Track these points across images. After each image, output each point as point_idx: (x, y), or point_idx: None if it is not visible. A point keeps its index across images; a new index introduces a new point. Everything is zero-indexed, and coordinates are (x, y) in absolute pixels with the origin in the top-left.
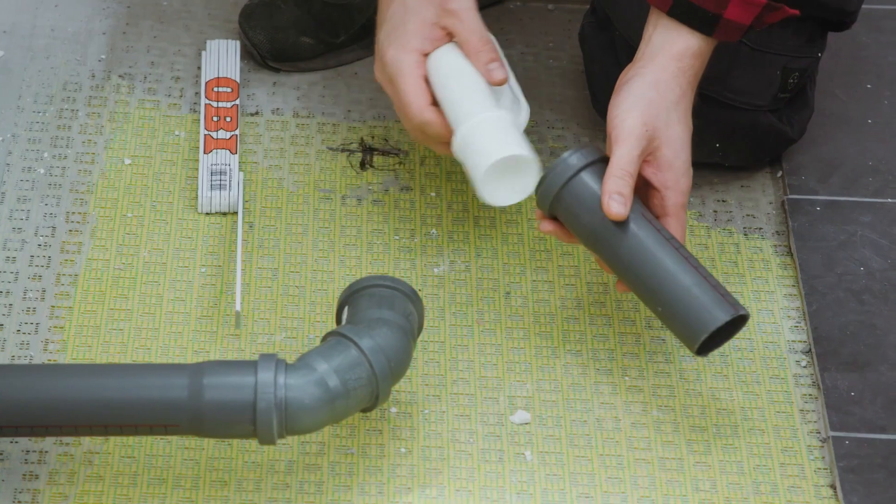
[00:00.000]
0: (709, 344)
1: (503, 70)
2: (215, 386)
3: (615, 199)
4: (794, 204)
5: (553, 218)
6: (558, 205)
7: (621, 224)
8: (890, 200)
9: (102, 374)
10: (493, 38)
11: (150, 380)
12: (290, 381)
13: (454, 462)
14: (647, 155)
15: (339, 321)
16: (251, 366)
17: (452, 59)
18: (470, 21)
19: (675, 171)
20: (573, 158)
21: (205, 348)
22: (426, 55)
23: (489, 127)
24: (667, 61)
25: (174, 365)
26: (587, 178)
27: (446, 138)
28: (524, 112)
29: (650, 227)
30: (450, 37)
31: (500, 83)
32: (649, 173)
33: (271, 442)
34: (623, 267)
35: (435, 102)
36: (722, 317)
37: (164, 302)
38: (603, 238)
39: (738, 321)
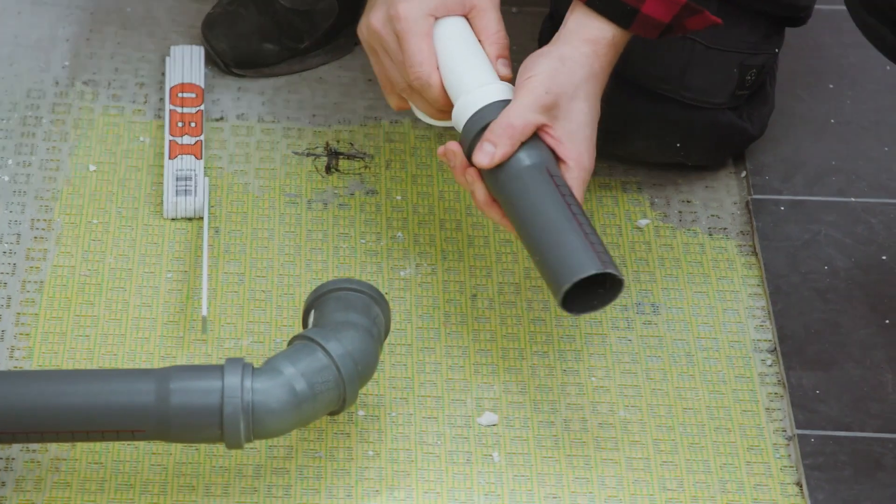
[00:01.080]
0: (579, 302)
1: (509, 69)
2: (182, 390)
3: (484, 146)
4: (759, 204)
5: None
6: (471, 153)
7: (517, 170)
8: (853, 199)
9: (68, 379)
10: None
11: (116, 385)
12: (256, 384)
13: (422, 464)
14: (548, 125)
15: (305, 325)
16: (218, 370)
17: (463, 32)
18: (493, 11)
19: (576, 145)
20: (491, 109)
21: (171, 354)
22: (436, 20)
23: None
24: (579, 42)
25: (140, 370)
26: None
27: (443, 105)
28: None
29: (548, 181)
30: (464, 11)
31: (507, 79)
32: (552, 143)
33: (238, 446)
34: (511, 211)
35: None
36: (590, 268)
37: (130, 308)
38: (502, 183)
39: (614, 286)
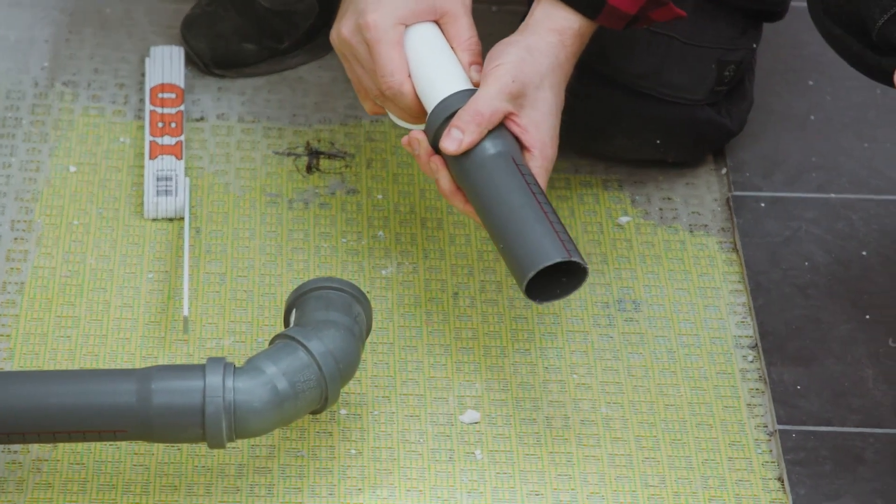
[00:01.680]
0: (542, 290)
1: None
2: (163, 390)
3: (452, 132)
4: (739, 201)
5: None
6: (437, 141)
7: (483, 158)
8: (833, 196)
9: (49, 380)
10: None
11: (97, 385)
12: (238, 384)
13: (404, 462)
14: (514, 113)
15: (287, 324)
16: (199, 369)
17: (435, 39)
18: (466, 17)
19: (541, 134)
20: (457, 98)
21: (153, 354)
22: (406, 27)
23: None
24: (545, 32)
25: (122, 370)
26: None
27: (417, 112)
28: None
29: (513, 169)
30: (435, 17)
31: (478, 85)
32: (517, 132)
33: (221, 446)
34: (476, 199)
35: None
36: (555, 256)
37: (111, 308)
38: (467, 171)
39: (578, 275)
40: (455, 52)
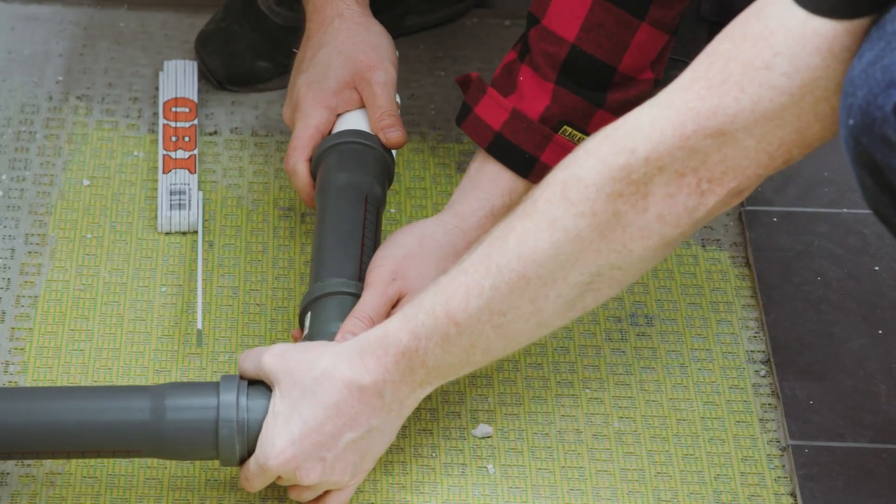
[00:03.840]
0: None
1: (399, 131)
2: (177, 408)
3: (346, 338)
4: (751, 215)
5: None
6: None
7: None
8: (845, 211)
9: (62, 397)
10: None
11: (110, 403)
12: (251, 402)
13: (417, 476)
14: (398, 303)
15: (301, 326)
16: (213, 387)
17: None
18: (381, 95)
19: None
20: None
21: (166, 367)
22: (338, 115)
23: None
24: (449, 218)
25: (135, 387)
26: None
27: (304, 195)
28: None
29: None
30: (355, 84)
31: (394, 145)
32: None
33: (233, 463)
34: None
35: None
36: None
37: (124, 322)
38: None
39: None
40: (369, 116)
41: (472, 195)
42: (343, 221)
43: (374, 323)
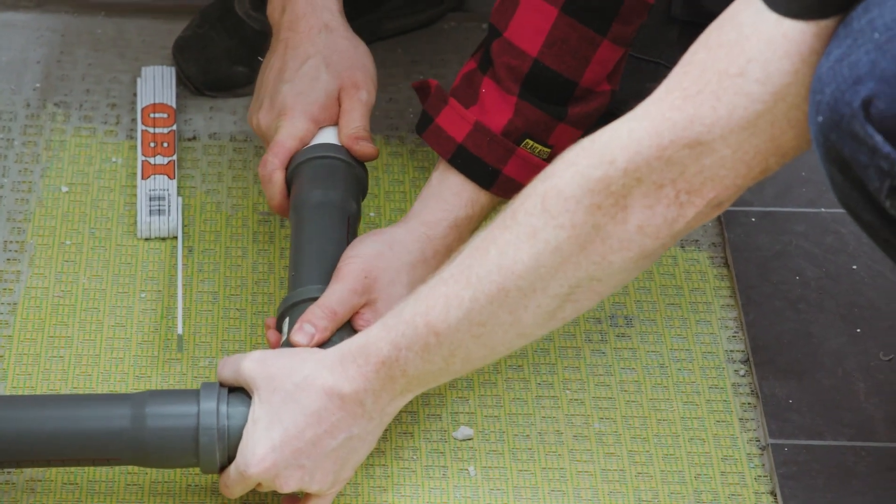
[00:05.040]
0: None
1: (370, 144)
2: (157, 415)
3: (303, 328)
4: (729, 215)
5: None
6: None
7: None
8: (823, 210)
9: (43, 405)
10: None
11: (90, 411)
12: (232, 409)
13: (398, 479)
14: (367, 305)
15: (280, 331)
16: (193, 395)
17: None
18: (359, 111)
19: None
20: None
21: (146, 373)
22: (320, 127)
23: None
24: (416, 225)
25: (115, 395)
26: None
27: (275, 203)
28: None
29: None
30: (334, 97)
31: (364, 157)
32: (361, 325)
33: (214, 471)
34: None
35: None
36: None
37: (104, 328)
38: None
39: None
40: (340, 129)
41: (436, 206)
42: (320, 234)
43: (336, 315)
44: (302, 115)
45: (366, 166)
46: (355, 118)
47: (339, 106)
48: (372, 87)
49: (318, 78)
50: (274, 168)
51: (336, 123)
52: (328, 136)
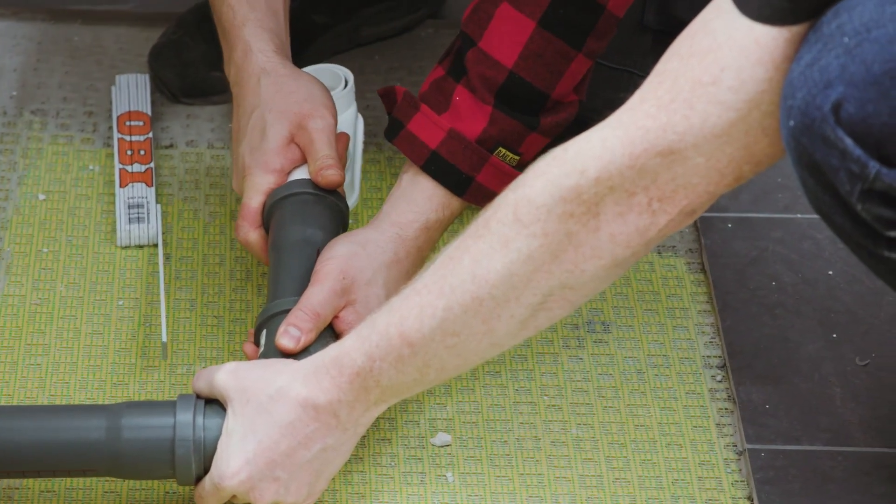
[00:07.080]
0: None
1: (336, 172)
2: (133, 427)
3: (289, 331)
4: (706, 221)
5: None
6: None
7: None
8: (799, 216)
9: (18, 416)
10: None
11: (66, 422)
12: (208, 421)
13: (376, 486)
14: (347, 305)
15: (257, 343)
16: (170, 406)
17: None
18: (319, 140)
19: None
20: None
21: (124, 381)
22: (288, 173)
23: None
24: (388, 226)
25: (91, 406)
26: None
27: (263, 259)
28: (353, 198)
29: None
30: (299, 128)
31: (331, 185)
32: (341, 328)
33: (190, 483)
34: None
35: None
36: None
37: (81, 336)
38: None
39: None
40: (308, 161)
41: (407, 208)
42: (296, 269)
43: (318, 317)
44: (259, 170)
45: (343, 197)
46: (318, 148)
47: (297, 144)
48: (324, 110)
49: (264, 127)
50: (246, 231)
51: (306, 161)
52: (300, 174)
